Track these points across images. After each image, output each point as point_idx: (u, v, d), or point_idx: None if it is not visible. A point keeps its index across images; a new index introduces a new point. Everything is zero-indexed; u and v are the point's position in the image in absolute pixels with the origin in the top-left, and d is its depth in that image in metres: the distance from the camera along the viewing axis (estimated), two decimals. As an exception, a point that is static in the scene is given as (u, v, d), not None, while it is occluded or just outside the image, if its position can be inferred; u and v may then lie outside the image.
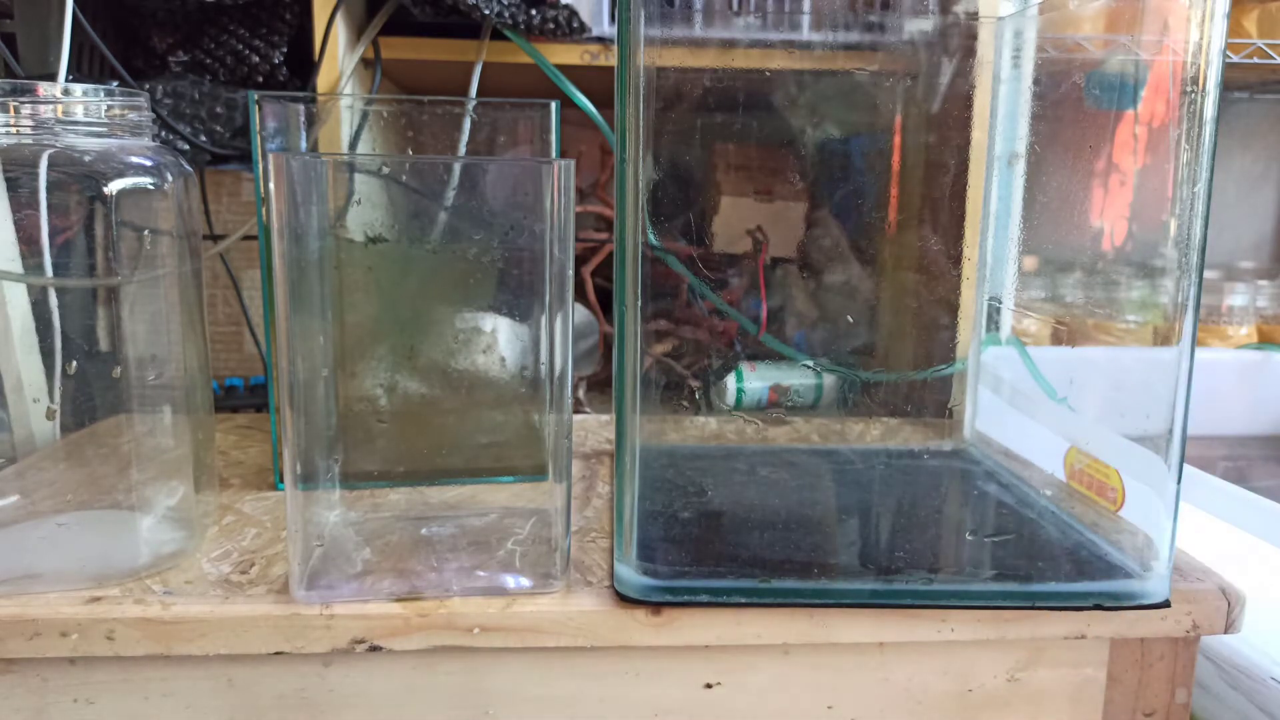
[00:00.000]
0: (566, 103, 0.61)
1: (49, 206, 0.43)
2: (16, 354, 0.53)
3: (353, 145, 0.56)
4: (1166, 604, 0.41)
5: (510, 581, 0.41)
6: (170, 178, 0.44)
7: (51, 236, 0.44)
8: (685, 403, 0.62)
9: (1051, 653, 0.43)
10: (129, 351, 0.44)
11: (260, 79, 0.76)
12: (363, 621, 0.39)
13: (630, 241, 0.40)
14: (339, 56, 0.68)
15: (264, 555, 0.44)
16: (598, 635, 0.40)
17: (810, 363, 0.60)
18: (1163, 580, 0.41)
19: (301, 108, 0.52)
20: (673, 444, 0.61)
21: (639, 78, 0.40)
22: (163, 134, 0.71)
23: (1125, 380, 0.47)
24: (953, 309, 0.59)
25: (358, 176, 0.46)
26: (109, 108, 0.42)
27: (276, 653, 0.39)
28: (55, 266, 0.45)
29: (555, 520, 0.43)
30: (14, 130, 0.41)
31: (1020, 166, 0.56)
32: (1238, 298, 1.18)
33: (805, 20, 0.55)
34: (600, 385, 0.86)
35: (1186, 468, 0.42)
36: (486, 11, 0.66)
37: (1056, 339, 0.59)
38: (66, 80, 0.59)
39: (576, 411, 0.76)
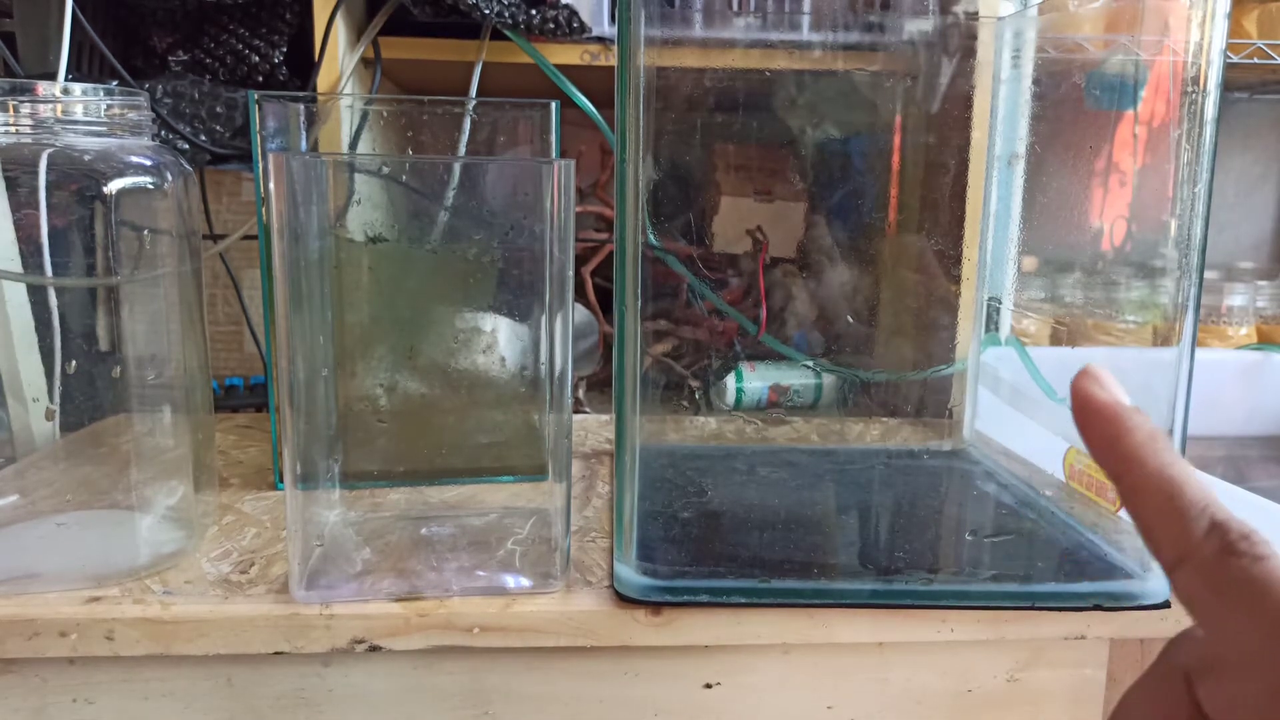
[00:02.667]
0: (566, 103, 0.61)
1: (49, 206, 0.43)
2: (16, 354, 0.53)
3: (353, 145, 0.56)
4: (1166, 604, 0.41)
5: (510, 581, 0.41)
6: (170, 177, 0.44)
7: (51, 236, 0.44)
8: (685, 403, 0.62)
9: (1051, 653, 0.43)
10: (129, 351, 0.44)
11: (260, 79, 0.76)
12: (363, 621, 0.39)
13: (630, 241, 0.40)
14: (339, 56, 0.68)
15: (264, 555, 0.44)
16: (597, 635, 0.40)
17: (810, 363, 0.60)
18: (1162, 581, 0.41)
19: (301, 108, 0.52)
20: (673, 444, 0.61)
21: (639, 78, 0.40)
22: (163, 134, 0.71)
23: (1125, 380, 0.47)
24: (952, 309, 0.59)
25: (358, 176, 0.46)
26: (109, 107, 0.42)
27: (276, 653, 0.39)
28: (55, 266, 0.45)
29: (555, 520, 0.43)
30: (13, 130, 0.41)
31: (1020, 167, 0.56)
32: (1237, 298, 1.18)
33: (805, 21, 0.55)
34: (600, 385, 0.86)
35: (1186, 468, 0.42)
36: (486, 11, 0.66)
37: (1056, 339, 0.59)
38: (66, 80, 0.59)
39: (576, 411, 0.76)
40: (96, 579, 0.41)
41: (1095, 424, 0.23)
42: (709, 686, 0.42)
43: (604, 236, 0.89)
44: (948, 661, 0.43)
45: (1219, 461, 0.98)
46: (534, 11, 0.68)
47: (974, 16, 0.56)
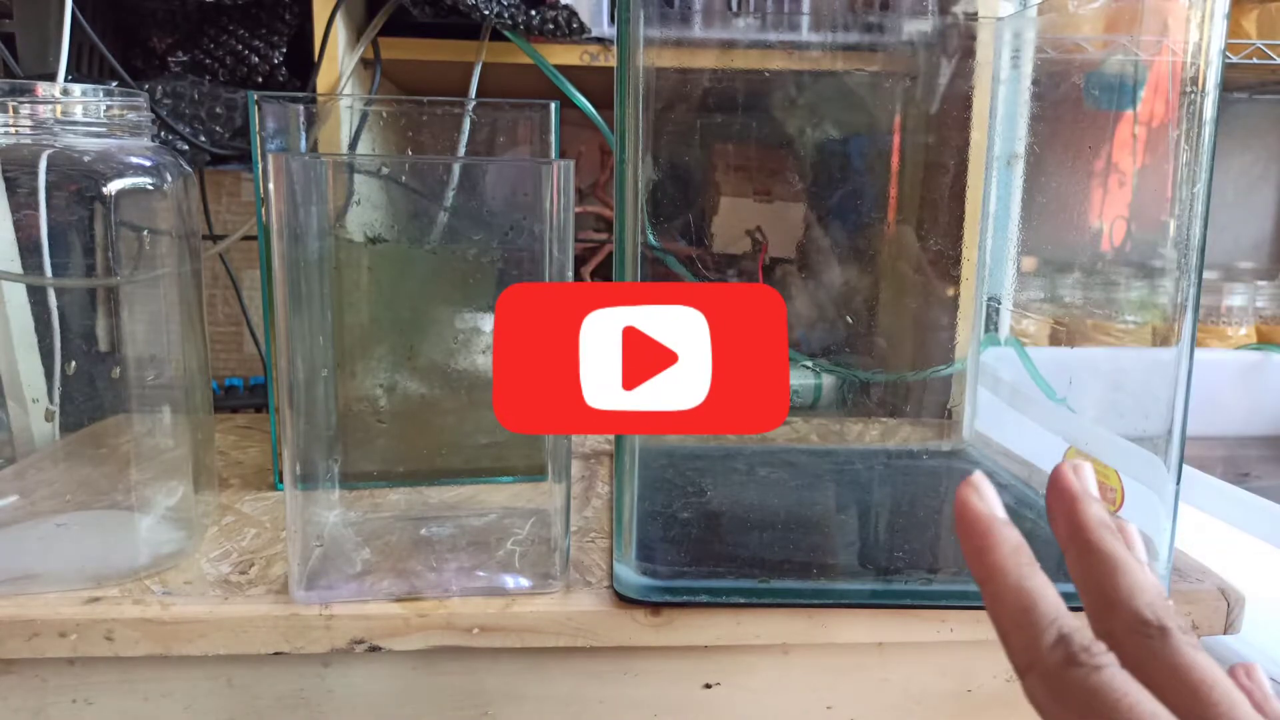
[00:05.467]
0: (566, 103, 0.61)
1: (48, 207, 0.43)
2: (16, 354, 0.53)
3: (353, 145, 0.56)
4: (1166, 604, 0.41)
5: (510, 581, 0.41)
6: (170, 178, 0.44)
7: (51, 237, 0.44)
8: (685, 403, 0.62)
9: (1051, 653, 0.43)
10: (128, 351, 0.44)
11: (260, 79, 0.76)
12: (362, 622, 0.39)
13: (630, 241, 0.40)
14: (339, 56, 0.68)
15: (263, 555, 0.44)
16: (597, 635, 0.40)
17: (810, 363, 0.60)
18: (1162, 580, 0.41)
19: (301, 108, 0.52)
20: (673, 444, 0.61)
21: (639, 78, 0.40)
22: (162, 134, 0.71)
23: (1124, 381, 0.47)
24: (952, 309, 0.59)
25: (358, 176, 0.46)
26: (108, 108, 0.42)
27: (276, 653, 0.39)
28: (55, 266, 0.45)
29: (555, 520, 0.43)
30: (13, 130, 0.41)
31: (1019, 167, 0.56)
32: (1237, 298, 1.18)
33: (805, 21, 0.55)
34: (600, 385, 0.86)
35: (1186, 468, 0.42)
36: (486, 12, 0.66)
37: (1055, 339, 0.59)
38: (66, 80, 0.59)
39: (576, 412, 0.76)
40: (96, 579, 0.41)
41: (968, 534, 0.26)
42: (709, 687, 0.42)
43: (604, 236, 0.90)
44: (948, 661, 0.43)
45: (1219, 461, 0.98)
46: (533, 12, 0.68)
47: (973, 17, 0.56)
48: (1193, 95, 0.39)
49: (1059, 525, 0.26)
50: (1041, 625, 0.23)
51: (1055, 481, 0.27)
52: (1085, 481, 0.27)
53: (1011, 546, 0.25)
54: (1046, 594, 0.24)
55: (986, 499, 0.26)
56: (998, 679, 0.43)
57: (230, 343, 0.89)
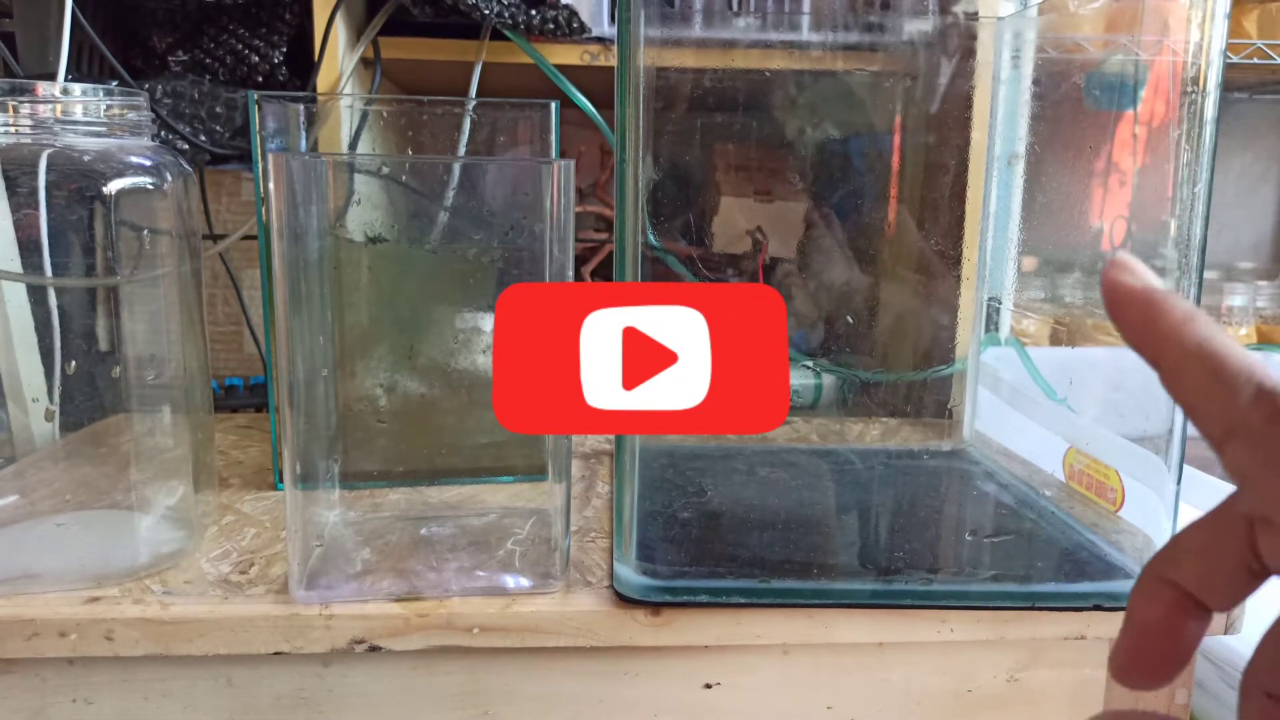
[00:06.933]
0: (566, 103, 0.61)
1: (48, 206, 0.43)
2: (16, 354, 0.53)
3: (353, 145, 0.56)
4: (1166, 604, 0.41)
5: (510, 581, 0.41)
6: (170, 177, 0.44)
7: (51, 236, 0.44)
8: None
9: (1051, 653, 0.43)
10: (128, 351, 0.44)
11: (260, 79, 0.76)
12: (362, 621, 0.39)
13: (630, 241, 0.40)
14: (339, 56, 0.68)
15: (263, 555, 0.44)
16: (597, 635, 0.40)
17: (810, 363, 0.60)
18: (1162, 581, 0.41)
19: (301, 108, 0.52)
20: (673, 444, 0.61)
21: (639, 78, 0.40)
22: (162, 134, 0.71)
23: (1125, 381, 0.47)
24: (952, 309, 0.59)
25: (358, 176, 0.46)
26: (108, 107, 0.42)
27: (276, 653, 0.39)
28: (55, 266, 0.45)
29: (555, 520, 0.43)
30: (13, 130, 0.41)
31: (1020, 167, 0.56)
32: (1237, 298, 1.18)
33: (805, 21, 0.55)
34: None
35: (1186, 468, 0.42)
36: (486, 11, 0.66)
37: (1056, 339, 0.59)
38: (66, 80, 0.59)
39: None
40: (96, 579, 0.41)
41: (1129, 311, 0.22)
42: (709, 686, 0.42)
43: (604, 236, 0.90)
44: (948, 661, 0.43)
45: (1219, 461, 0.98)
46: (534, 11, 0.68)
47: (974, 17, 0.56)
48: (1193, 95, 0.39)
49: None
50: (1236, 384, 0.20)
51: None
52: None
53: (1182, 313, 0.21)
54: (1233, 351, 0.20)
55: (1139, 274, 0.22)
56: (997, 679, 0.43)
57: (230, 343, 0.89)
